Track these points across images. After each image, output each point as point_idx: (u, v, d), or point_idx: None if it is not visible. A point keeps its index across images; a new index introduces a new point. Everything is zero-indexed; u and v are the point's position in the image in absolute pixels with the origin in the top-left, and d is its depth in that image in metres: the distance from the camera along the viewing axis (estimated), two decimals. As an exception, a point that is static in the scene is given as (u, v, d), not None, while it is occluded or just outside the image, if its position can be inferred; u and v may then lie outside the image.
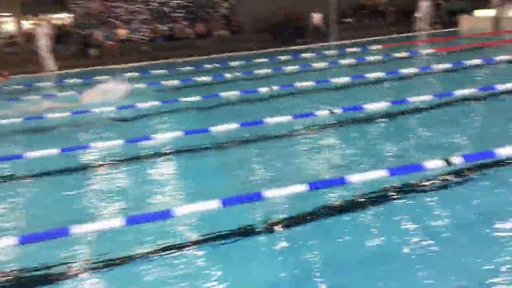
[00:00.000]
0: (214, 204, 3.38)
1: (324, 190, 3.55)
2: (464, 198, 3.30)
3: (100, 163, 4.75)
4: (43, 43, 13.62)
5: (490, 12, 16.27)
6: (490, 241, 2.75)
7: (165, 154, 4.89)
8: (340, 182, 3.61)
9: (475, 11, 18.78)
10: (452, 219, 3.03)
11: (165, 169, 4.47)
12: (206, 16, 18.34)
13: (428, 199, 3.30)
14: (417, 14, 16.76)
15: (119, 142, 5.30)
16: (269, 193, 3.49)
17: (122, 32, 16.82)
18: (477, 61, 8.59)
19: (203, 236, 3.09)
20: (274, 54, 12.71)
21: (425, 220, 3.03)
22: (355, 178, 3.62)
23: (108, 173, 4.42)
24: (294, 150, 4.68)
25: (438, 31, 16.70)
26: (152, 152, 4.95)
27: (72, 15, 17.65)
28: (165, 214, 3.33)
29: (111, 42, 15.69)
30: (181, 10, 17.98)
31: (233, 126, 5.49)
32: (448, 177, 3.60)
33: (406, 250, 2.71)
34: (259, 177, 4.02)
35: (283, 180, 3.79)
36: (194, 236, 3.11)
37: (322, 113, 5.69)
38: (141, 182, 4.15)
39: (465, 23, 16.46)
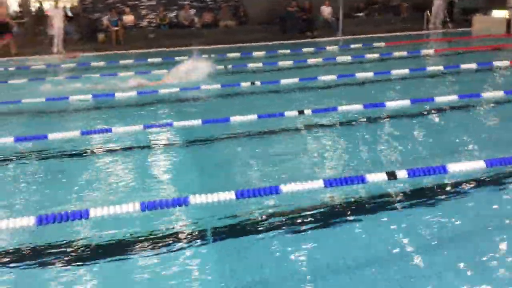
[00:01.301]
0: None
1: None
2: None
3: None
4: (59, 26, 13.54)
5: (505, 13, 15.75)
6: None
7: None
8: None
9: (492, 10, 18.26)
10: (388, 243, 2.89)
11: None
12: (214, 6, 18.17)
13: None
14: (428, 12, 16.30)
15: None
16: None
17: (129, 18, 16.78)
18: (472, 66, 8.30)
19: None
20: (272, 48, 12.53)
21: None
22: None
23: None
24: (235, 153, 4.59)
25: (450, 30, 16.25)
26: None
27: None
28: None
29: (116, 28, 15.67)
30: (189, -1, 17.83)
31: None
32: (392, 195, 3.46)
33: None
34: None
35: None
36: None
37: (290, 113, 5.53)
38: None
39: (478, 23, 15.94)
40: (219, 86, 7.39)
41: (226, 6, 17.92)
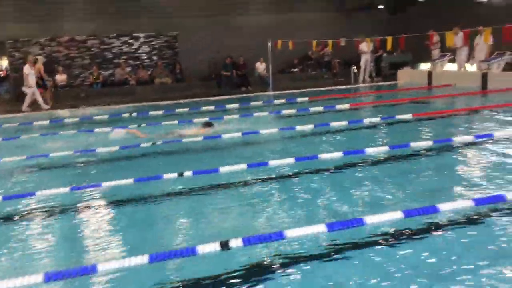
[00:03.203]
0: None
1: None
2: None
3: None
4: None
5: (428, 66, 16.59)
6: None
7: None
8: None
9: (420, 64, 19.28)
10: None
11: None
12: (150, 63, 18.31)
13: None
14: (354, 68, 16.98)
15: None
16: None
17: (61, 78, 16.60)
18: (376, 120, 8.51)
19: None
20: (198, 104, 12.58)
21: None
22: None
23: None
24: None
25: (377, 84, 16.92)
26: None
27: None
28: None
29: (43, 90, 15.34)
30: (125, 56, 17.91)
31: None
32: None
33: None
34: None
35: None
36: None
37: (169, 176, 5.36)
38: None
39: (403, 76, 16.68)
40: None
41: (162, 63, 18.09)
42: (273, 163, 5.73)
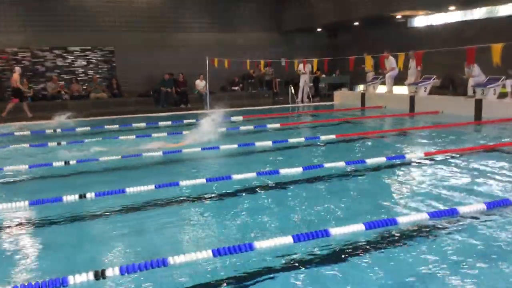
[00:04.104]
0: None
1: None
2: None
3: None
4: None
5: (361, 88, 17.07)
6: None
7: None
8: None
9: (358, 86, 19.84)
10: None
11: None
12: (85, 77, 17.75)
13: None
14: (291, 87, 17.23)
15: None
16: None
17: (-12, 90, 15.75)
18: (300, 139, 8.57)
19: None
20: (126, 121, 12.23)
21: None
22: None
23: None
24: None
25: (314, 104, 17.23)
26: None
27: None
28: None
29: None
30: (58, 70, 17.26)
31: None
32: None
33: None
34: None
35: None
36: None
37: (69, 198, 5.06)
38: None
39: (339, 97, 17.09)
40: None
41: (98, 78, 17.57)
42: (183, 183, 5.56)
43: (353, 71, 16.92)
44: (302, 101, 17.47)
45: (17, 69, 14.76)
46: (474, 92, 11.74)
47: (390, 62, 14.54)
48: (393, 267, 3.38)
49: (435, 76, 13.60)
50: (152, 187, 5.40)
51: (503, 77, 11.27)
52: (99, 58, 17.98)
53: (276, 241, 3.65)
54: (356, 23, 18.81)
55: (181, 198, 5.17)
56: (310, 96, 17.80)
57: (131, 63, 18.10)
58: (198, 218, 4.61)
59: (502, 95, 11.56)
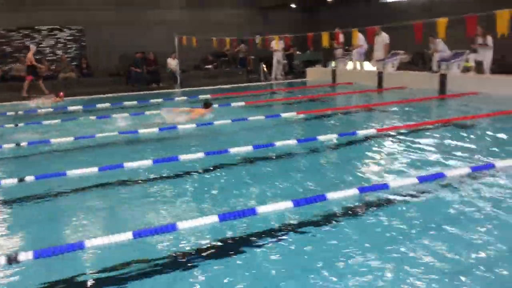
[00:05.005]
0: None
1: None
2: None
3: None
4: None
5: (332, 64, 17.02)
6: None
7: None
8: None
9: (332, 62, 19.75)
10: None
11: None
12: (53, 57, 17.40)
13: None
14: (263, 65, 17.09)
15: None
16: None
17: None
18: (260, 117, 8.55)
19: None
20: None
21: None
22: None
23: None
24: None
25: (287, 81, 17.17)
26: None
27: None
28: None
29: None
30: (26, 51, 16.87)
31: None
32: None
33: None
34: None
35: None
36: None
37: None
38: None
39: (311, 74, 17.03)
40: None
41: (67, 58, 17.24)
42: (128, 165, 5.53)
43: (326, 48, 16.82)
44: (276, 78, 17.39)
45: (32, 47, 14.69)
46: (439, 67, 11.78)
47: (358, 38, 14.43)
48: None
49: (402, 52, 13.58)
50: (95, 169, 5.36)
51: (467, 51, 11.31)
52: (68, 38, 17.60)
53: (201, 221, 3.67)
54: (330, -1, 18.63)
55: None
56: (282, 74, 17.71)
57: (102, 42, 17.77)
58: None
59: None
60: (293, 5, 20.76)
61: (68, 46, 17.65)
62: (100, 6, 17.73)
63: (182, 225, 3.59)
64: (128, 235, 3.46)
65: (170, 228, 3.57)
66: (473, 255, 3.07)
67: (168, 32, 17.51)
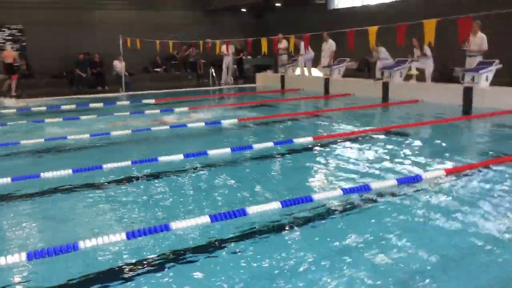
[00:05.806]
0: None
1: None
2: None
3: None
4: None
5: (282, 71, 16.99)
6: None
7: None
8: None
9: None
10: None
11: None
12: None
13: None
14: (212, 69, 16.85)
15: None
16: None
17: None
18: (200, 125, 8.32)
19: None
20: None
21: None
22: None
23: None
24: None
25: (237, 86, 17.01)
26: None
27: None
28: None
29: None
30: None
31: None
32: None
33: None
34: None
35: None
36: None
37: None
38: None
39: (261, 79, 16.95)
40: None
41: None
42: (46, 175, 5.15)
43: (276, 53, 16.77)
44: (226, 83, 17.20)
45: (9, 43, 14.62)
46: (382, 74, 11.94)
47: (302, 45, 14.38)
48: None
49: (348, 59, 13.71)
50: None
51: (410, 59, 11.51)
52: (6, 37, 16.71)
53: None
54: (278, 4, 18.64)
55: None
56: (232, 79, 17.54)
57: (43, 42, 17.00)
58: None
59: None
60: (243, 9, 20.66)
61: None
62: (42, 5, 16.95)
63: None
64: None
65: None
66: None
67: (116, 33, 16.94)
